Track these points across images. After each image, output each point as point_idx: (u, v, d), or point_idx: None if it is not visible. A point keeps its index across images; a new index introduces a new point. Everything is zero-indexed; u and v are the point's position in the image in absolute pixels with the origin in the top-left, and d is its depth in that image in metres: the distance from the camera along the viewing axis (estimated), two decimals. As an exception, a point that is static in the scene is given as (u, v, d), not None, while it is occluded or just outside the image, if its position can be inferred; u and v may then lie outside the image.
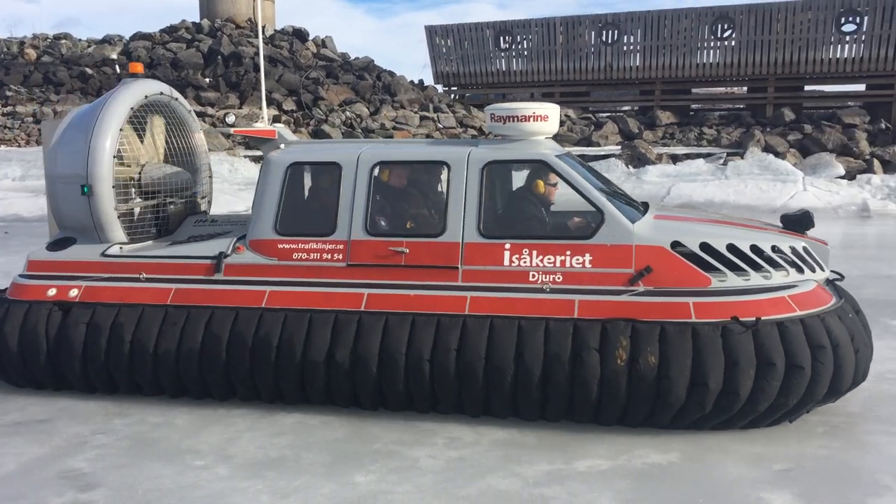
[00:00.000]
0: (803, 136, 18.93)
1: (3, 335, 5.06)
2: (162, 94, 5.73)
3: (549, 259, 4.73)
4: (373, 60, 25.87)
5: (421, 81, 25.90)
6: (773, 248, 4.70)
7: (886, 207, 15.76)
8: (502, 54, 24.11)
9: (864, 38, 19.67)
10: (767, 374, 4.22)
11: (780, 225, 5.12)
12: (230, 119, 6.34)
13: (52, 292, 5.13)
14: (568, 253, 4.72)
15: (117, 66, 8.11)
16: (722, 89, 25.31)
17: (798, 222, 5.09)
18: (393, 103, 22.77)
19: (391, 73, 25.04)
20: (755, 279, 4.58)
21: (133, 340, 4.87)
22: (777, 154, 18.34)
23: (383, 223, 5.07)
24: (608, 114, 23.78)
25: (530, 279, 4.73)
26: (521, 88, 24.72)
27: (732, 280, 4.56)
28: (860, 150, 18.00)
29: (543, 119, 4.98)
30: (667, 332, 4.33)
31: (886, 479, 3.90)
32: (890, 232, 13.40)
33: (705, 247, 4.62)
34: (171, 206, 5.77)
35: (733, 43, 21.10)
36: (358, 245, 4.94)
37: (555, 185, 5.13)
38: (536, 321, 4.50)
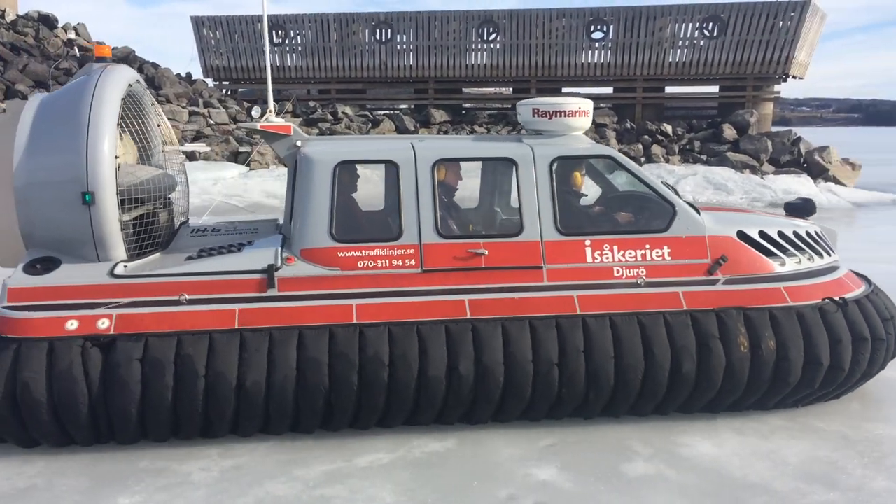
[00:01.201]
0: (562, 134, 20.43)
1: (21, 384, 4.00)
2: (138, 82, 4.96)
3: (630, 253, 4.69)
4: (134, 51, 24.08)
5: (189, 75, 24.56)
6: (808, 234, 5.09)
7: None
8: (276, 49, 23.55)
9: (610, 45, 21.63)
10: (861, 348, 4.62)
11: (784, 212, 5.50)
12: (256, 112, 5.15)
13: (72, 325, 4.15)
14: (647, 246, 4.72)
15: (76, 48, 6.45)
16: (491, 89, 26.63)
17: (802, 209, 5.43)
18: (158, 97, 21.39)
19: (155, 66, 23.49)
20: (804, 263, 4.94)
21: (209, 374, 4.10)
22: (540, 151, 19.63)
23: (454, 225, 4.80)
24: (385, 111, 24.13)
25: (615, 274, 4.66)
26: (297, 85, 24.30)
27: (789, 265, 4.88)
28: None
29: (586, 115, 4.99)
30: (776, 316, 4.56)
31: (636, 445, 4.30)
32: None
33: (763, 234, 4.90)
34: (160, 215, 4.95)
35: (498, 46, 22.28)
36: (431, 249, 4.57)
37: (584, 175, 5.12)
38: (654, 315, 4.48)
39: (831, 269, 5.03)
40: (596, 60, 21.71)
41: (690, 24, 20.93)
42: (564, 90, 23.08)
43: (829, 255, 5.15)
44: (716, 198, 17.46)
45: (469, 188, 5.29)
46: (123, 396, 4.04)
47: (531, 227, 4.66)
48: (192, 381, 4.08)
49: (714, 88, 22.15)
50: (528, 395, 4.37)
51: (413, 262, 4.54)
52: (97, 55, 4.89)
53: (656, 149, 19.98)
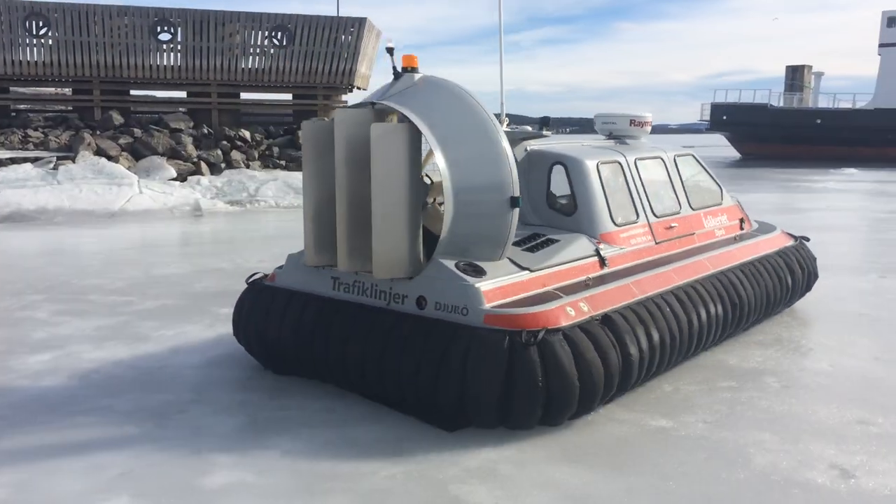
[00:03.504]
0: (134, 140, 19.20)
1: (588, 364, 4.42)
2: None
3: (716, 219, 6.99)
4: None
5: None
6: None
7: (216, 205, 17.20)
8: None
9: (179, 47, 20.88)
10: (815, 264, 7.69)
11: None
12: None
13: (571, 311, 4.62)
14: (720, 214, 7.10)
15: (393, 57, 4.86)
16: (51, 89, 23.83)
17: None
18: None
19: None
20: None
21: (669, 331, 5.13)
22: (110, 157, 18.20)
23: (657, 207, 6.27)
24: None
25: (716, 235, 6.87)
26: None
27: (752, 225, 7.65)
28: (188, 154, 19.19)
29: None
30: (797, 249, 7.43)
31: (216, 456, 4.19)
32: (220, 228, 14.67)
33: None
34: None
35: (51, 42, 20.00)
36: (655, 226, 6.14)
37: None
38: (768, 255, 6.92)
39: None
40: (166, 63, 20.78)
41: (260, 33, 21.26)
42: (134, 92, 21.72)
43: None
44: (297, 202, 18.06)
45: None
46: (639, 362, 4.79)
47: (684, 205, 6.62)
48: (661, 338, 5.04)
49: (288, 96, 22.85)
50: (751, 314, 6.31)
51: (649, 238, 6.04)
52: (406, 65, 5.03)
53: (236, 154, 19.93)
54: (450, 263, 4.67)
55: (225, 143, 20.12)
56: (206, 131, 20.52)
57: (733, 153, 48.81)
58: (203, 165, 19.12)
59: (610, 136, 6.95)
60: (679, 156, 6.91)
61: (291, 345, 5.26)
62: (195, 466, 4.06)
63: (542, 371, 4.25)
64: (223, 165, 19.49)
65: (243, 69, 21.23)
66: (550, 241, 5.33)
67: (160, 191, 17.33)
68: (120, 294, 8.31)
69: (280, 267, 5.69)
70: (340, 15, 22.28)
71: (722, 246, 6.59)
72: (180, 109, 21.59)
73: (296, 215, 16.58)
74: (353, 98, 23.44)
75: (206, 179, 18.49)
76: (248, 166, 19.84)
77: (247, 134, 20.76)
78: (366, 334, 4.81)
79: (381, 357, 4.68)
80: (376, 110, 4.94)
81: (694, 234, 6.56)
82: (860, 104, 48.00)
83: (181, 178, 18.40)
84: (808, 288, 7.54)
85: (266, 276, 5.83)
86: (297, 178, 19.14)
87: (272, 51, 21.36)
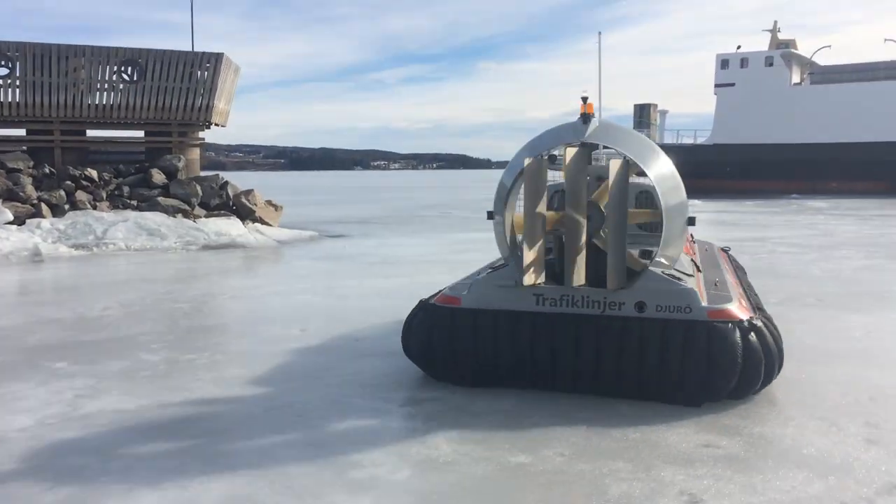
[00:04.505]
0: (-36, 181, 17.68)
1: (776, 341, 5.68)
2: None
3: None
4: None
5: None
6: None
7: (58, 250, 16.05)
8: None
9: (18, 83, 19.53)
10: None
11: None
12: None
13: (745, 303, 5.98)
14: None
15: (584, 105, 5.75)
16: None
17: None
18: None
19: None
20: None
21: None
22: (-65, 201, 16.64)
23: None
24: None
25: (691, 248, 7.78)
26: None
27: None
28: (27, 195, 17.87)
29: None
30: (733, 256, 9.88)
31: None
32: (63, 274, 13.65)
33: None
34: None
35: None
36: (689, 241, 7.64)
37: None
38: (732, 263, 9.10)
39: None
40: (3, 99, 19.38)
41: (108, 67, 20.26)
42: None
43: None
44: (150, 244, 17.15)
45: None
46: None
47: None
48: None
49: (140, 133, 21.82)
50: None
51: (690, 251, 7.25)
52: (587, 111, 5.69)
53: (81, 195, 18.74)
54: (659, 272, 5.61)
55: (69, 182, 18.91)
56: (47, 171, 19.22)
57: (590, 186, 51.07)
58: (44, 207, 17.86)
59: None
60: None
61: (509, 358, 5.76)
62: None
63: (762, 349, 5.41)
64: (67, 207, 18.28)
65: (89, 105, 20.14)
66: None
67: (-5, 236, 15.97)
68: (-61, 352, 7.49)
69: (452, 288, 6.22)
70: (196, 50, 21.63)
71: (712, 255, 8.20)
72: (21, 148, 20.10)
73: (148, 257, 15.75)
74: (209, 135, 22.67)
75: (47, 222, 17.27)
76: (94, 207, 18.69)
77: (94, 173, 19.60)
78: (595, 338, 5.53)
79: (619, 354, 5.49)
80: (586, 150, 5.79)
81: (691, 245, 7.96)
82: (700, 140, 51.72)
83: (19, 221, 17.08)
84: None
85: (428, 299, 6.28)
86: (149, 218, 18.21)
87: (122, 86, 20.40)
